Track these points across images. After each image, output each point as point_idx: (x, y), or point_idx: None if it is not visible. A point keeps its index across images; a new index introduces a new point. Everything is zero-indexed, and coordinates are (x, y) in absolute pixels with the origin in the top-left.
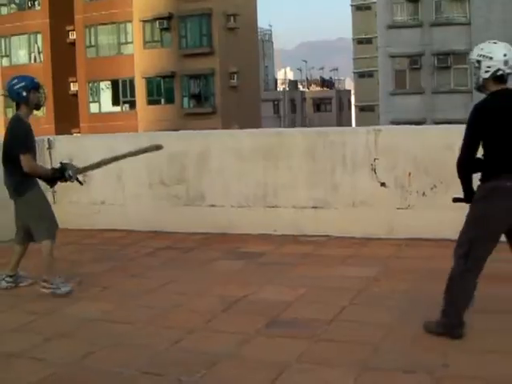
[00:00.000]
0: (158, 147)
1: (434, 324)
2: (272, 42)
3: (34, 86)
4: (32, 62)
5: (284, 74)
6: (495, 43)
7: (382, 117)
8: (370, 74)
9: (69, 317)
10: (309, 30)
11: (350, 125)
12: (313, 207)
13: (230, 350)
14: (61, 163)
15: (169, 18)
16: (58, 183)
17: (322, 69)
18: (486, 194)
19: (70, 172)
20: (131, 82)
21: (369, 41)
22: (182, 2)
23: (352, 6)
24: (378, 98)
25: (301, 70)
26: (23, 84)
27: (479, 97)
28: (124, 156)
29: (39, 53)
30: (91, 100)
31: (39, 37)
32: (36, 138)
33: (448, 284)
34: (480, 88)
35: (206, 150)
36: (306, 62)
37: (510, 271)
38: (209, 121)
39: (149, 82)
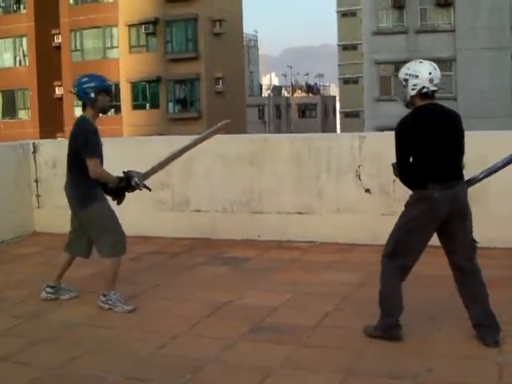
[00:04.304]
0: (228, 123)
1: (373, 327)
2: (257, 48)
3: (103, 89)
4: (17, 65)
5: (269, 80)
6: (421, 62)
7: (367, 123)
8: (355, 81)
9: (54, 321)
10: (294, 35)
11: (335, 131)
12: (298, 213)
13: (214, 355)
14: (124, 172)
15: (154, 22)
16: (126, 195)
17: (307, 75)
18: (413, 202)
19: (137, 179)
20: (116, 86)
21: (354, 47)
22: (167, 7)
23: (337, 12)
24: (363, 105)
25: (286, 76)
26: (92, 84)
27: (464, 105)
28: (191, 146)
29: (24, 56)
30: (76, 104)
31: (24, 40)
32: (21, 142)
33: (380, 285)
34: (408, 104)
35: (191, 154)
36: (291, 67)
37: (490, 277)
38: (194, 126)
39: (134, 86)
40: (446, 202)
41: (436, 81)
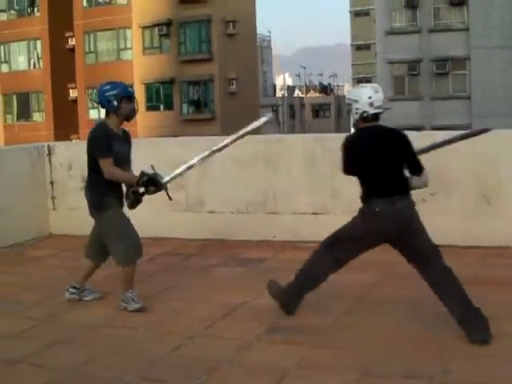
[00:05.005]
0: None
1: (282, 291)
2: (271, 48)
3: (126, 95)
4: (31, 68)
5: (283, 80)
6: (363, 87)
7: (381, 123)
8: (369, 80)
9: (69, 323)
10: (308, 35)
11: (349, 131)
12: (312, 213)
13: (229, 356)
14: (143, 172)
15: (168, 24)
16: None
17: (320, 75)
18: (360, 215)
19: (162, 180)
20: (130, 88)
21: (367, 47)
22: (181, 9)
23: (351, 12)
24: None
25: (299, 76)
26: (115, 92)
27: (478, 104)
28: (226, 145)
29: (38, 59)
30: (90, 106)
31: (38, 43)
32: (36, 144)
33: (308, 264)
34: (355, 127)
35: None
36: (304, 67)
37: (508, 276)
38: (208, 127)
39: (148, 88)
40: (388, 217)
41: (377, 103)
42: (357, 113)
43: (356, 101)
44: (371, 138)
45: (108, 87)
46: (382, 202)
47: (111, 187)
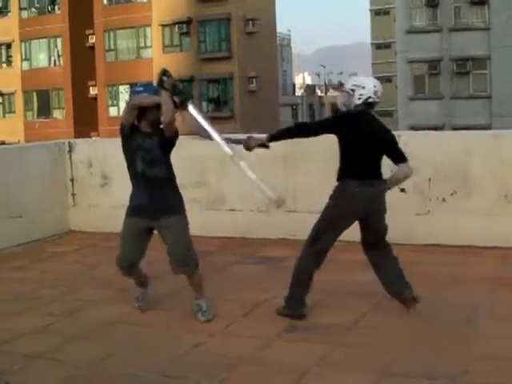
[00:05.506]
0: None
1: (282, 307)
2: (291, 47)
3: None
4: (52, 65)
5: (302, 79)
6: (367, 77)
7: (401, 122)
8: (389, 79)
9: (89, 319)
10: (327, 34)
11: None
12: None
13: (250, 354)
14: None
15: (188, 22)
16: None
17: (340, 73)
18: (336, 196)
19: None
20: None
21: (387, 46)
22: (201, 7)
23: (371, 10)
24: (397, 103)
25: (319, 75)
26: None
27: (499, 103)
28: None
29: (59, 56)
30: (110, 104)
31: (59, 41)
32: (57, 141)
33: (296, 268)
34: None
35: (226, 154)
36: (324, 66)
37: None
38: (227, 125)
39: None
40: (364, 199)
41: (379, 93)
42: (360, 98)
43: (362, 87)
44: (370, 122)
45: (141, 89)
46: (360, 184)
47: (133, 194)
